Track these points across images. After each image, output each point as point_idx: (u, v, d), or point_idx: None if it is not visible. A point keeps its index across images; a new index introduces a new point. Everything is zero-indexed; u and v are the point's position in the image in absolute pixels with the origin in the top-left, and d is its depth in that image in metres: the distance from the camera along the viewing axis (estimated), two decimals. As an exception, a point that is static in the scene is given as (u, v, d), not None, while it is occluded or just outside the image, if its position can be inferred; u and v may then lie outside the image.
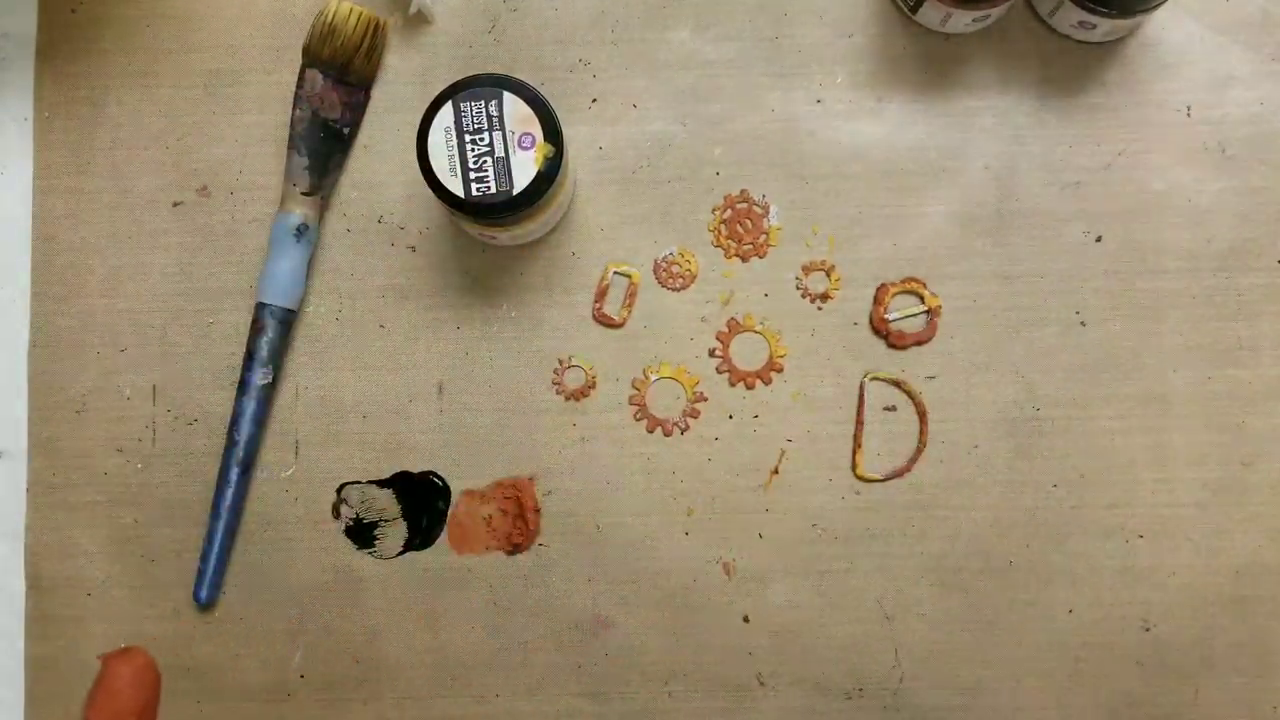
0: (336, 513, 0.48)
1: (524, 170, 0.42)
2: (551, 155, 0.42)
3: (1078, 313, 0.47)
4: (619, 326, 0.48)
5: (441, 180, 0.42)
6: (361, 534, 0.48)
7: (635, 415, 0.48)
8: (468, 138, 0.42)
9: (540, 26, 0.49)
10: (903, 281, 0.48)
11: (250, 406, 0.47)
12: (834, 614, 0.47)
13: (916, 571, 0.47)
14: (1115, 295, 0.47)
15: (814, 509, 0.47)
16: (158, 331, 0.48)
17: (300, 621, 0.47)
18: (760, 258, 0.48)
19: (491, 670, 0.47)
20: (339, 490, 0.48)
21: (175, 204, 0.49)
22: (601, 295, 0.48)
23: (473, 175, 0.42)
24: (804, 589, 0.47)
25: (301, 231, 0.47)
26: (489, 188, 0.42)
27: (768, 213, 0.48)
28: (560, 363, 0.48)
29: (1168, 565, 0.47)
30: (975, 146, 0.48)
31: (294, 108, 0.47)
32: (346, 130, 0.48)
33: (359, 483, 0.48)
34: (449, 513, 0.47)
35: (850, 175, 0.48)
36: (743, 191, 0.48)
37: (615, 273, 0.48)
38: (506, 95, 0.42)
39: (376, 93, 0.49)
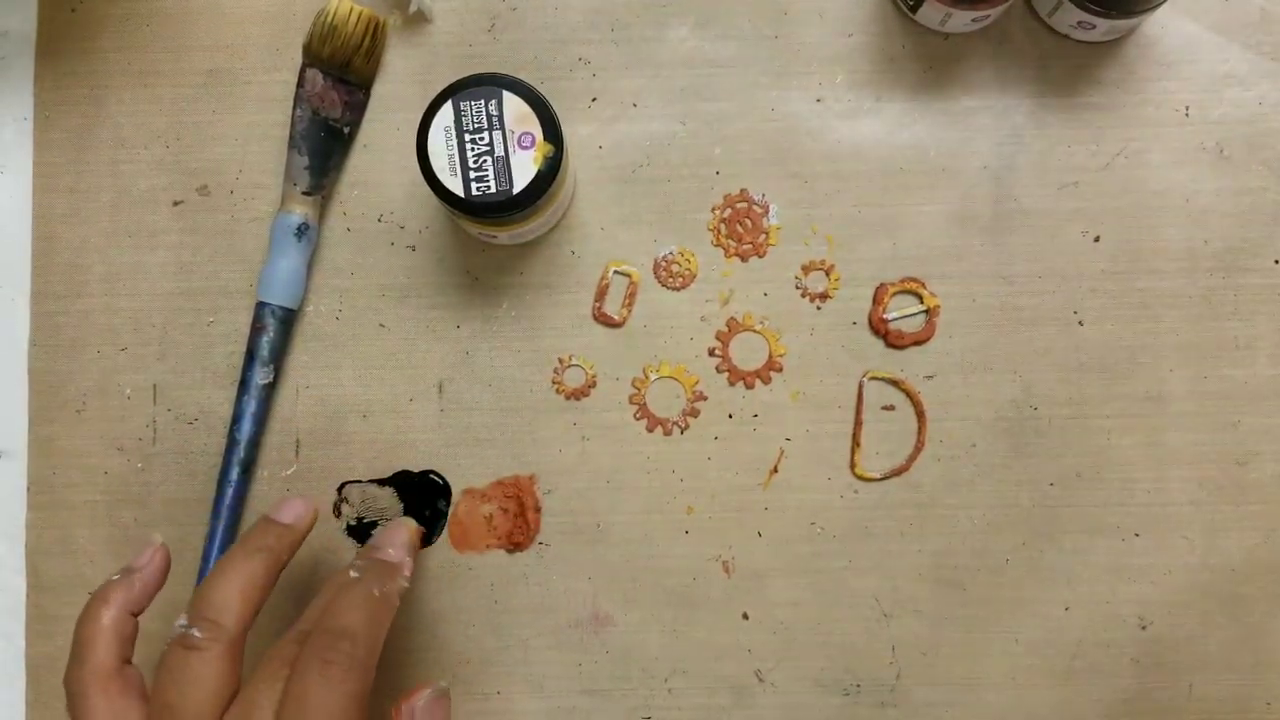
0: (337, 511, 0.48)
1: (524, 169, 0.42)
2: (551, 154, 0.42)
3: (1075, 312, 0.47)
4: (619, 326, 0.48)
5: (441, 179, 0.42)
6: (362, 533, 0.48)
7: (635, 414, 0.48)
8: (467, 137, 0.42)
9: (540, 25, 0.49)
10: (901, 281, 0.48)
11: (251, 406, 0.47)
12: (832, 611, 0.47)
13: (914, 569, 0.47)
14: (1113, 295, 0.47)
15: (813, 507, 0.47)
16: (158, 331, 0.48)
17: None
18: (760, 257, 0.48)
19: (492, 668, 0.47)
20: (340, 489, 0.48)
21: (175, 203, 0.49)
22: (601, 294, 0.48)
23: (472, 174, 0.42)
24: (802, 586, 0.47)
25: (302, 231, 0.47)
26: (489, 187, 0.42)
27: (767, 212, 0.48)
28: (560, 362, 0.48)
29: (1164, 563, 0.47)
30: (974, 146, 0.48)
31: (294, 107, 0.47)
32: (347, 129, 0.48)
33: (360, 481, 0.48)
34: (449, 511, 0.48)
35: (849, 175, 0.48)
36: (742, 191, 0.48)
37: (615, 272, 0.48)
38: (506, 94, 0.42)
39: (376, 92, 0.49)
